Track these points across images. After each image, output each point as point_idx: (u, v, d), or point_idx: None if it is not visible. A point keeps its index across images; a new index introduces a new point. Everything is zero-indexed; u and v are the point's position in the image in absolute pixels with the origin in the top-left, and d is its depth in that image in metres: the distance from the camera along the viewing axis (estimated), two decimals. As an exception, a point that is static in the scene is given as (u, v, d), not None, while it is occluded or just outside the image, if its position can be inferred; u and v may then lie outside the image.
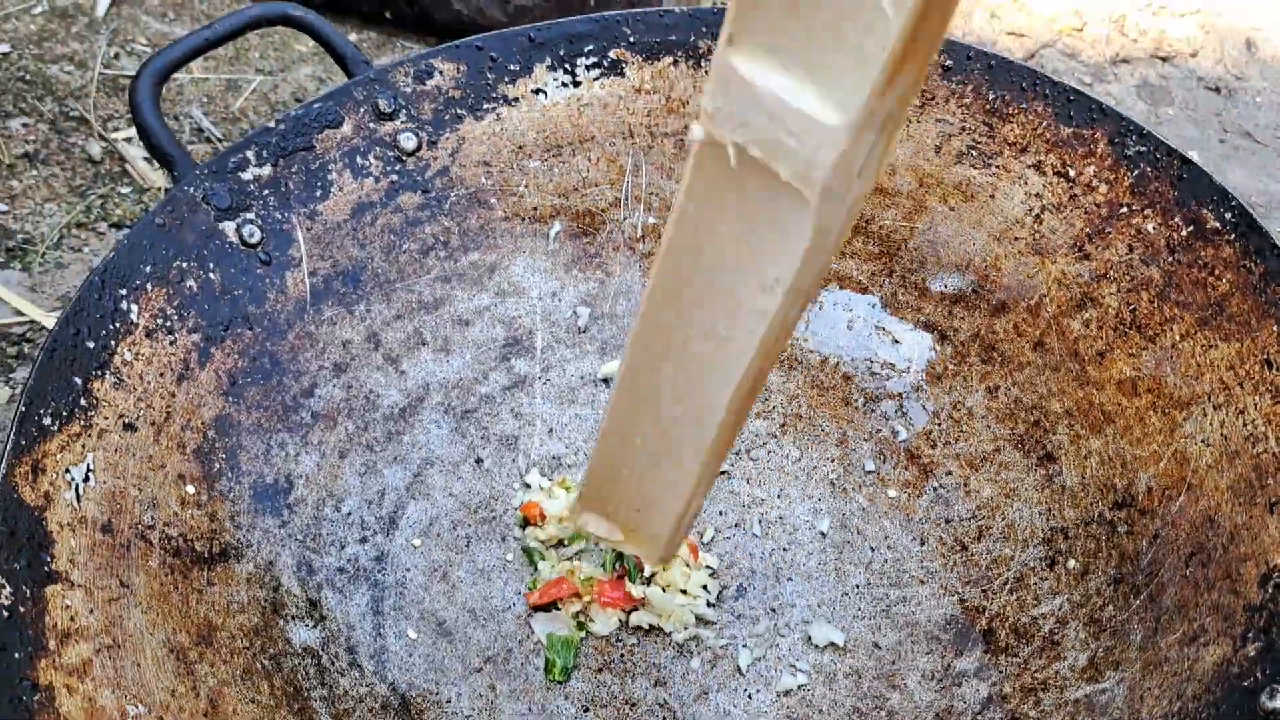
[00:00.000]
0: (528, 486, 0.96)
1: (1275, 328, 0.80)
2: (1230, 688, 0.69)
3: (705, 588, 0.90)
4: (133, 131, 1.35)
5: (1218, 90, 1.45)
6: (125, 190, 1.32)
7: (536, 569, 0.91)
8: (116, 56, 1.44)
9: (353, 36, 1.55)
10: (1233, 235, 0.85)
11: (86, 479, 0.77)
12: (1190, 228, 0.88)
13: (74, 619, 0.70)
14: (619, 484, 0.72)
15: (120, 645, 0.72)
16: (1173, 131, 1.40)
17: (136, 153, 1.33)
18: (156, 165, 1.32)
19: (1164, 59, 1.49)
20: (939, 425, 0.97)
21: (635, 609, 0.89)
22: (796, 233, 0.53)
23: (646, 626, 0.89)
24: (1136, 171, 0.91)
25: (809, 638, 0.88)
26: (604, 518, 0.75)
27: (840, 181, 0.51)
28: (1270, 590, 0.71)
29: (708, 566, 0.92)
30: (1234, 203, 0.85)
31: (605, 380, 1.03)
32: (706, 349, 0.61)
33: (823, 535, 0.93)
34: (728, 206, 0.55)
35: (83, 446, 0.78)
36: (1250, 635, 0.70)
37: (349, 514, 0.91)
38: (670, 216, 0.58)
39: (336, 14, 1.56)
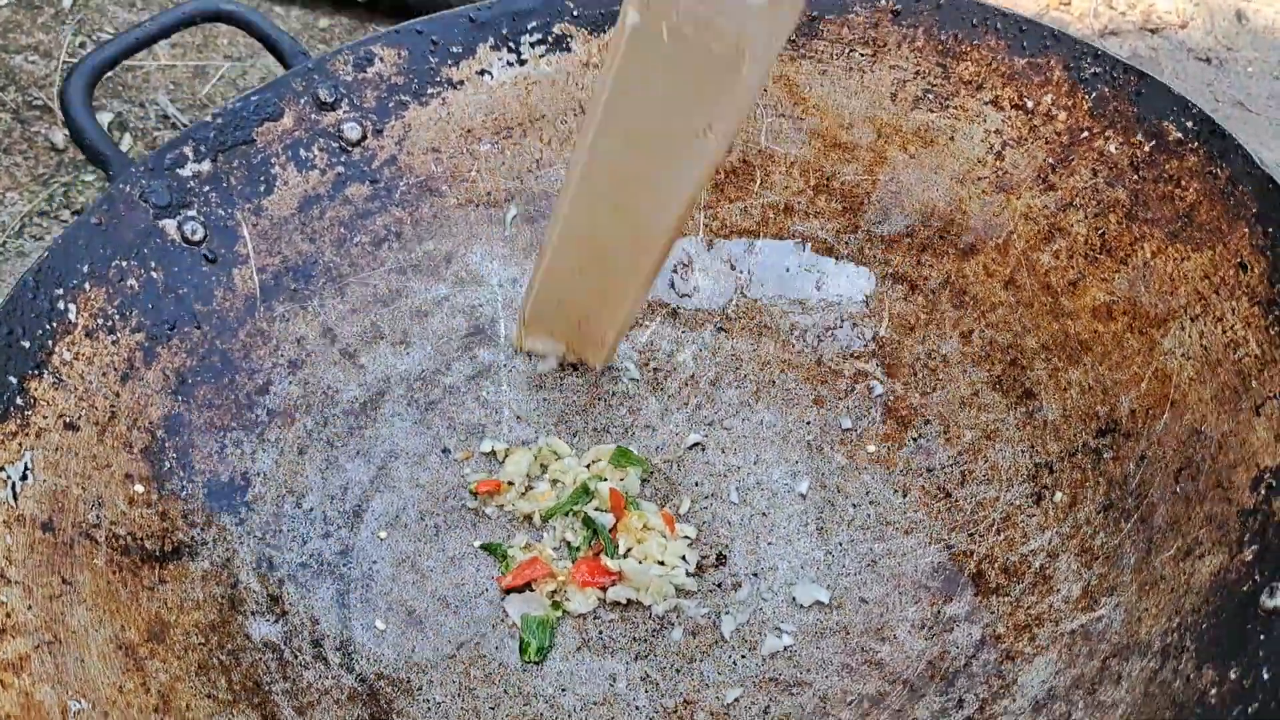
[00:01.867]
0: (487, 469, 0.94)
1: (1246, 230, 0.76)
2: (1229, 595, 0.65)
3: (684, 558, 0.87)
4: (98, 118, 1.33)
5: (1208, 61, 1.42)
6: (89, 178, 1.29)
7: (505, 559, 0.87)
8: (83, 45, 1.42)
9: (324, 22, 1.52)
10: (1195, 143, 0.82)
11: (24, 477, 0.74)
12: (1152, 142, 0.85)
13: (10, 615, 0.67)
14: (561, 306, 0.88)
15: (62, 641, 0.69)
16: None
17: None
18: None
19: (1153, 31, 1.46)
20: (915, 376, 0.94)
21: (614, 582, 0.85)
22: (727, 89, 0.66)
23: (624, 601, 0.85)
24: (1094, 93, 0.89)
25: (793, 599, 0.84)
26: (548, 336, 0.92)
27: (764, 46, 0.63)
28: (1263, 492, 0.67)
29: (685, 536, 0.88)
30: (1194, 110, 0.82)
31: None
32: (647, 186, 0.75)
33: (802, 497, 0.90)
34: (659, 78, 0.67)
35: (19, 445, 0.75)
36: (1246, 540, 0.66)
37: (310, 510, 0.88)
38: (599, 91, 0.70)
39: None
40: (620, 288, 0.84)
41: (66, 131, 1.29)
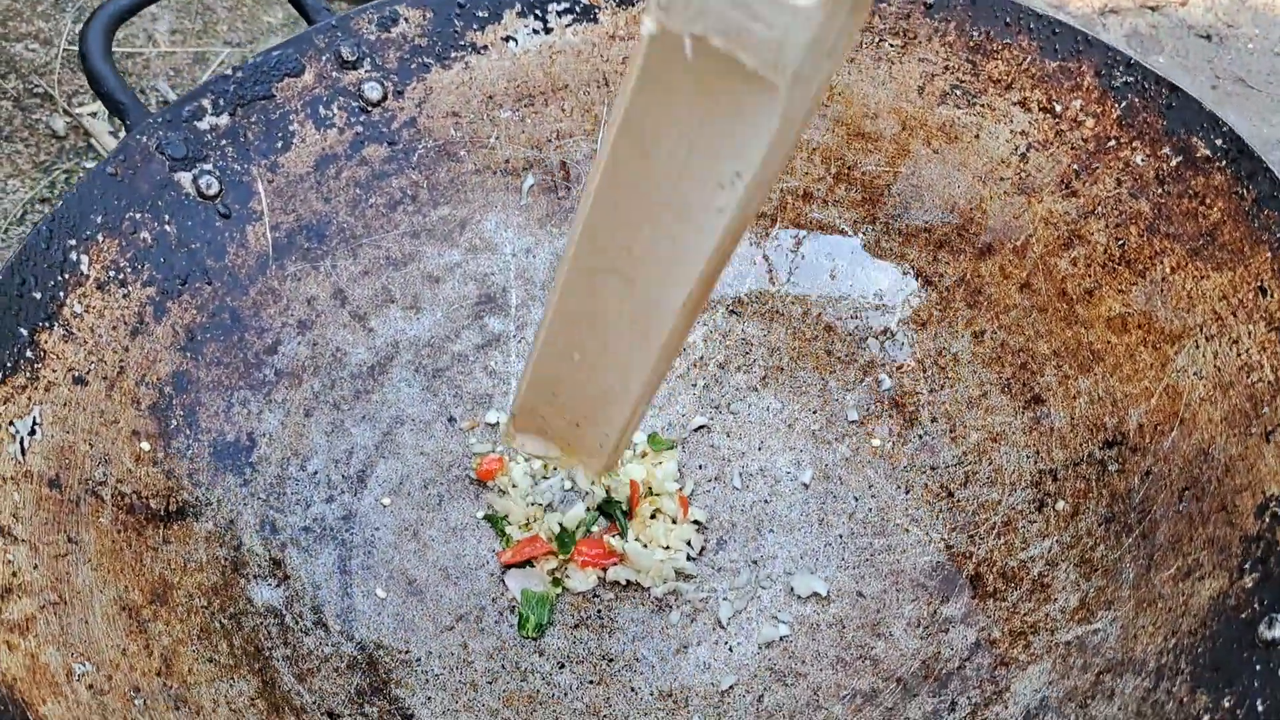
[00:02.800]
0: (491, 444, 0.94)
1: (1269, 254, 0.76)
2: (1227, 620, 0.66)
3: (689, 542, 0.87)
4: (98, 106, 1.32)
5: (1209, 38, 1.41)
6: (90, 165, 1.28)
7: (505, 535, 0.88)
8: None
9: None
10: (1224, 162, 0.81)
11: (33, 432, 0.74)
12: (1180, 157, 0.84)
13: (16, 575, 0.67)
14: (555, 401, 0.71)
15: (67, 602, 0.69)
16: (1167, 80, 1.37)
17: (101, 127, 1.29)
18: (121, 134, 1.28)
19: (1153, 8, 1.45)
20: (924, 372, 0.94)
21: (615, 562, 0.86)
22: (761, 123, 0.50)
23: (624, 582, 0.85)
24: (1124, 103, 0.88)
25: (791, 589, 0.85)
26: (540, 436, 0.74)
27: (811, 64, 0.48)
28: (1267, 520, 0.68)
29: (695, 521, 0.88)
30: (1224, 128, 0.82)
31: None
32: (655, 256, 0.58)
33: (805, 486, 0.90)
34: (680, 103, 0.52)
35: (29, 399, 0.75)
36: (1247, 566, 0.67)
37: (315, 473, 0.88)
38: (611, 120, 0.54)
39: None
40: (624, 380, 0.66)
41: (67, 119, 1.27)
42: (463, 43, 0.99)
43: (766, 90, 0.48)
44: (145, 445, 0.80)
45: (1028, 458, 0.86)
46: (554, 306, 0.65)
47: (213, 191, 0.89)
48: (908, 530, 0.86)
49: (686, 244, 0.56)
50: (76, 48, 1.37)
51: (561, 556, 0.86)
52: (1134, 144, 0.87)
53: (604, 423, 0.70)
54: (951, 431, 0.91)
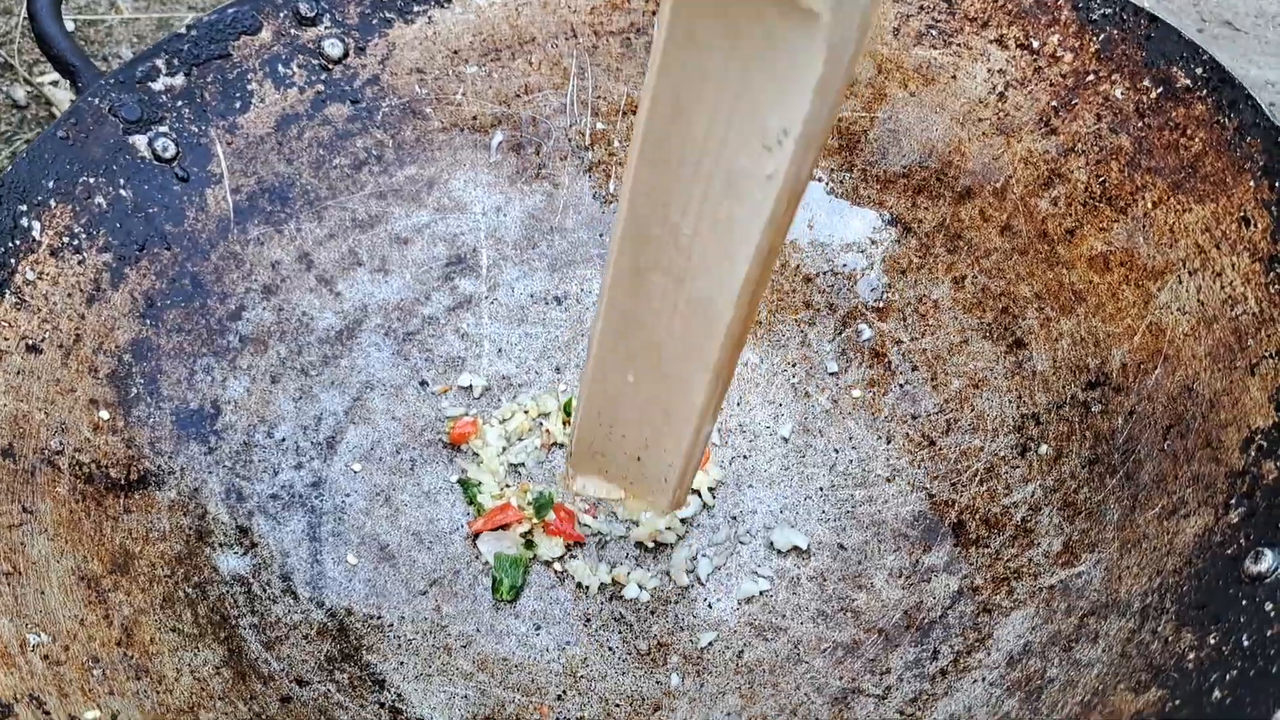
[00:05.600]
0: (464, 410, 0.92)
1: (1251, 183, 0.74)
2: (1213, 557, 0.64)
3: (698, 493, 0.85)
4: (58, 75, 1.29)
5: None
6: None
7: (477, 503, 0.86)
8: None
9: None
10: (1204, 91, 0.79)
11: (-16, 401, 0.72)
12: (1160, 89, 0.82)
13: (-33, 544, 0.66)
14: (613, 434, 0.64)
15: (21, 572, 0.67)
16: (1149, 24, 1.34)
17: (63, 96, 1.27)
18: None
19: None
20: (905, 320, 0.92)
21: (580, 540, 0.84)
22: (805, 63, 0.43)
23: (606, 534, 0.84)
24: (1103, 35, 0.85)
25: (771, 543, 0.83)
26: (600, 477, 0.68)
27: None
28: (1253, 454, 0.66)
29: (718, 480, 0.86)
30: (1204, 56, 0.79)
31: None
32: (704, 243, 0.51)
33: (784, 440, 0.88)
34: (715, 55, 0.45)
35: (-21, 367, 0.73)
36: (1233, 502, 0.65)
37: (283, 440, 0.86)
38: (644, 90, 0.48)
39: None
40: (683, 396, 0.59)
41: (28, 88, 1.25)
42: (424, -4, 0.97)
43: (808, 21, 0.42)
44: (104, 414, 0.78)
45: (1010, 403, 0.84)
46: (600, 321, 0.58)
47: (169, 154, 0.87)
48: (889, 480, 0.85)
49: (736, 224, 0.49)
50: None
51: (534, 521, 0.84)
52: (1113, 77, 0.84)
53: (667, 451, 0.63)
54: (933, 379, 0.88)
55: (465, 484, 0.86)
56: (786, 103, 0.45)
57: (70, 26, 1.25)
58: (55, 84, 1.26)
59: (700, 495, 0.85)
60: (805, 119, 0.45)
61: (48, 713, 0.62)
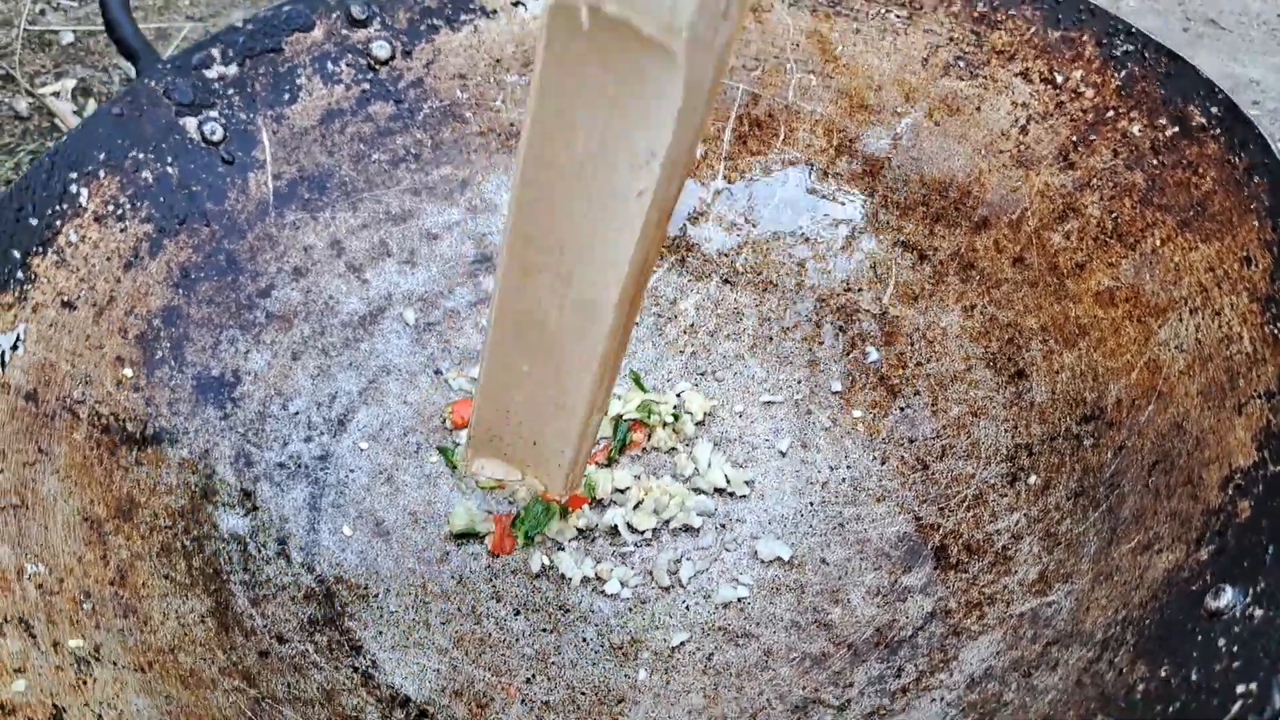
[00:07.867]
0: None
1: (1255, 223, 0.73)
2: (1179, 593, 0.63)
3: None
4: (60, 86, 1.34)
5: None
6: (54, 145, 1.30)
7: (454, 465, 0.89)
8: (42, 12, 1.42)
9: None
10: (1217, 130, 0.78)
11: (15, 347, 0.77)
12: (1176, 127, 0.81)
13: (-21, 474, 0.70)
14: (509, 420, 0.69)
15: (28, 506, 0.71)
16: (1135, 23, 1.32)
17: (65, 107, 1.32)
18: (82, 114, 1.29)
19: None
20: (912, 346, 0.92)
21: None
22: (667, 93, 0.49)
23: (599, 528, 0.85)
24: (1124, 72, 0.86)
25: (755, 552, 0.83)
26: (498, 459, 0.72)
27: (707, 25, 0.47)
28: (1230, 492, 0.65)
29: (727, 479, 0.88)
30: (1220, 96, 0.79)
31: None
32: (585, 247, 0.56)
33: (781, 454, 0.89)
34: (586, 83, 0.50)
35: (14, 316, 0.78)
36: (1205, 539, 0.64)
37: (296, 413, 0.90)
38: (527, 115, 0.53)
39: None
40: (572, 386, 0.63)
41: (30, 100, 1.31)
42: (472, 6, 1.01)
43: (666, 57, 0.47)
44: (128, 371, 0.83)
45: (1005, 432, 0.84)
46: (495, 314, 0.63)
47: (217, 138, 0.92)
48: (879, 500, 0.85)
49: (613, 234, 0.54)
50: (37, 28, 1.41)
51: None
52: (1132, 114, 0.84)
53: (559, 437, 0.67)
54: (933, 405, 0.89)
55: (445, 451, 0.89)
56: (652, 127, 0.50)
57: (69, 38, 1.31)
58: (57, 95, 1.32)
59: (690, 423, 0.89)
60: (669, 144, 0.50)
61: (34, 635, 0.65)
